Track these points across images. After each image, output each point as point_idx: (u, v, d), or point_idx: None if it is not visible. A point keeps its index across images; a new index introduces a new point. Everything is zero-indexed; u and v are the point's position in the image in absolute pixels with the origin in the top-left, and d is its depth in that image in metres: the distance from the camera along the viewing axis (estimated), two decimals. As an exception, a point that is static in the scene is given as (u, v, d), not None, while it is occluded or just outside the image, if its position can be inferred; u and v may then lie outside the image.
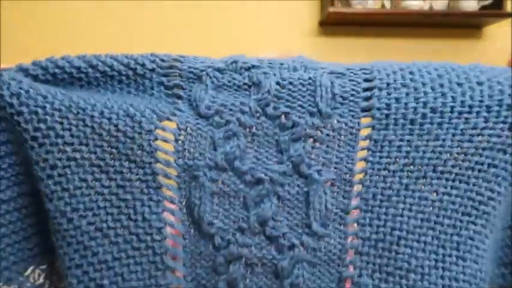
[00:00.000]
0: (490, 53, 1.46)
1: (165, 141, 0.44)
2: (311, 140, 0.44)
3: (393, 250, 0.42)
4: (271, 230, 0.42)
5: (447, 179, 0.42)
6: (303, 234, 0.43)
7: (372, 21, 1.44)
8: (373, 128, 0.44)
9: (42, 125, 0.42)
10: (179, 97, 0.46)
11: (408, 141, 0.43)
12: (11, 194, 0.44)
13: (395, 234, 0.42)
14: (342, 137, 0.44)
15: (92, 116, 0.42)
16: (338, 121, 0.44)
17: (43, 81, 0.45)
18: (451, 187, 0.42)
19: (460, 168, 0.42)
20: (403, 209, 0.42)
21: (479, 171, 0.42)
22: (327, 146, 0.44)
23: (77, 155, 0.42)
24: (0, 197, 0.43)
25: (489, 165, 0.42)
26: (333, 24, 1.44)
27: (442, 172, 0.42)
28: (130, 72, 0.45)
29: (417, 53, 1.46)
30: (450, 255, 0.42)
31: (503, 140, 0.42)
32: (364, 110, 0.44)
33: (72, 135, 0.42)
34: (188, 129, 0.44)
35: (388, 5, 1.39)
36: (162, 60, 0.45)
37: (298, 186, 0.43)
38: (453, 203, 0.42)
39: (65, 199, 0.42)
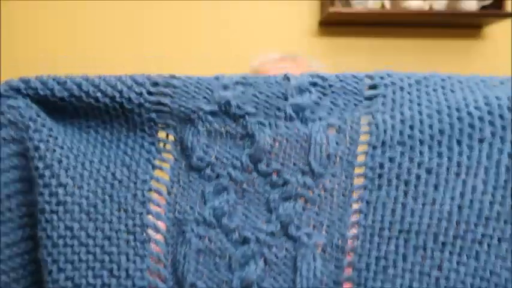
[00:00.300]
0: (490, 53, 1.46)
1: (159, 193, 0.42)
2: (302, 199, 0.41)
3: None
4: None
5: (451, 253, 0.37)
6: None
7: (372, 21, 1.44)
8: (365, 188, 0.40)
9: (40, 164, 0.40)
10: (169, 136, 0.44)
11: (403, 204, 0.38)
12: (14, 238, 0.41)
13: None
14: (335, 198, 0.40)
15: (92, 161, 0.41)
16: (330, 181, 0.41)
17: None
18: (458, 263, 0.36)
19: (464, 240, 0.37)
20: (401, 286, 0.37)
21: (489, 246, 0.36)
22: (319, 208, 0.40)
23: (68, 199, 0.40)
24: (4, 240, 0.40)
25: (499, 239, 0.36)
26: (333, 24, 1.44)
27: (443, 243, 0.37)
28: (117, 105, 0.43)
29: (417, 53, 1.46)
30: None
31: (507, 210, 0.37)
32: (357, 168, 0.41)
33: (67, 176, 0.40)
34: (180, 181, 0.42)
35: (388, 5, 1.39)
36: (149, 93, 0.42)
37: (286, 249, 0.40)
38: (463, 283, 0.36)
39: (48, 248, 0.39)
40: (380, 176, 0.40)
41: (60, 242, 0.39)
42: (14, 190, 0.41)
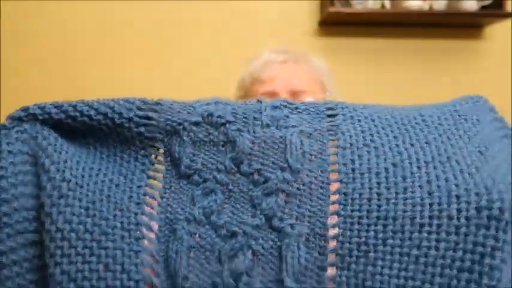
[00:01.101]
0: (490, 53, 1.46)
1: (152, 197, 0.45)
2: (283, 194, 0.44)
3: None
4: (244, 287, 0.41)
5: (429, 232, 0.39)
6: None
7: (371, 21, 1.44)
8: (341, 182, 0.44)
9: (47, 161, 0.43)
10: (159, 149, 0.48)
11: (378, 194, 0.42)
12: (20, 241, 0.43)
13: None
14: (313, 191, 0.44)
15: (91, 168, 0.45)
16: (308, 175, 0.44)
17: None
18: (437, 240, 0.39)
19: (440, 218, 0.39)
20: (382, 267, 0.39)
21: (467, 218, 0.38)
22: (299, 200, 0.44)
23: (70, 193, 0.42)
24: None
25: (477, 208, 0.38)
26: (333, 24, 1.45)
27: (421, 225, 0.39)
28: (109, 122, 0.46)
29: (417, 53, 1.46)
30: None
31: (472, 186, 0.40)
32: (331, 165, 0.45)
33: (71, 174, 0.43)
34: (172, 188, 0.46)
35: (388, 5, 1.39)
36: (139, 109, 0.47)
37: (271, 240, 0.43)
38: (443, 257, 0.38)
39: (46, 242, 0.41)
40: (353, 170, 0.44)
41: (58, 235, 0.41)
42: (24, 191, 0.43)
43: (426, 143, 0.45)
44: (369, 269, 0.40)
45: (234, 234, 0.43)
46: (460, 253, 0.38)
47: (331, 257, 0.42)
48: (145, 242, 0.43)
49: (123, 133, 0.47)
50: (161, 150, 0.47)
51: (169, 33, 1.44)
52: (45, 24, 1.43)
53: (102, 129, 0.47)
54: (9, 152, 0.44)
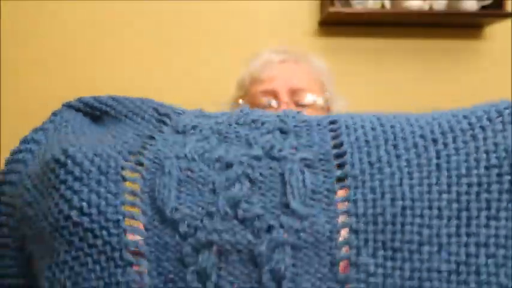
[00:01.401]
0: (490, 53, 1.46)
1: (141, 146, 0.45)
2: (280, 131, 0.43)
3: (398, 223, 0.36)
4: (244, 213, 0.38)
5: (445, 144, 0.38)
6: (281, 215, 0.38)
7: (371, 21, 1.44)
8: (338, 120, 0.43)
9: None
10: (165, 123, 0.47)
11: (381, 124, 0.41)
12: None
13: (398, 205, 0.37)
14: (313, 127, 0.43)
15: (91, 135, 0.49)
16: (305, 115, 0.46)
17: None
18: (456, 149, 0.38)
19: (453, 132, 0.39)
20: (401, 178, 0.38)
21: (482, 128, 0.39)
22: (297, 135, 0.43)
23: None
24: None
25: (489, 119, 0.39)
26: (333, 24, 1.45)
27: (434, 140, 0.39)
28: (138, 102, 0.51)
29: (417, 53, 1.46)
30: (477, 217, 0.36)
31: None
32: (327, 112, 0.47)
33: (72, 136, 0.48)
34: (165, 140, 0.45)
35: (388, 5, 1.39)
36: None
37: (271, 168, 0.40)
38: (467, 160, 0.37)
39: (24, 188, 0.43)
40: (352, 117, 0.44)
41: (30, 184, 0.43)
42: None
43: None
44: (386, 182, 0.38)
45: (229, 165, 0.41)
46: (483, 155, 0.37)
47: (341, 179, 0.40)
48: (127, 183, 0.40)
49: (141, 108, 0.50)
50: (168, 124, 0.47)
51: (169, 33, 1.44)
52: (45, 24, 1.43)
53: (125, 104, 0.51)
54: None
